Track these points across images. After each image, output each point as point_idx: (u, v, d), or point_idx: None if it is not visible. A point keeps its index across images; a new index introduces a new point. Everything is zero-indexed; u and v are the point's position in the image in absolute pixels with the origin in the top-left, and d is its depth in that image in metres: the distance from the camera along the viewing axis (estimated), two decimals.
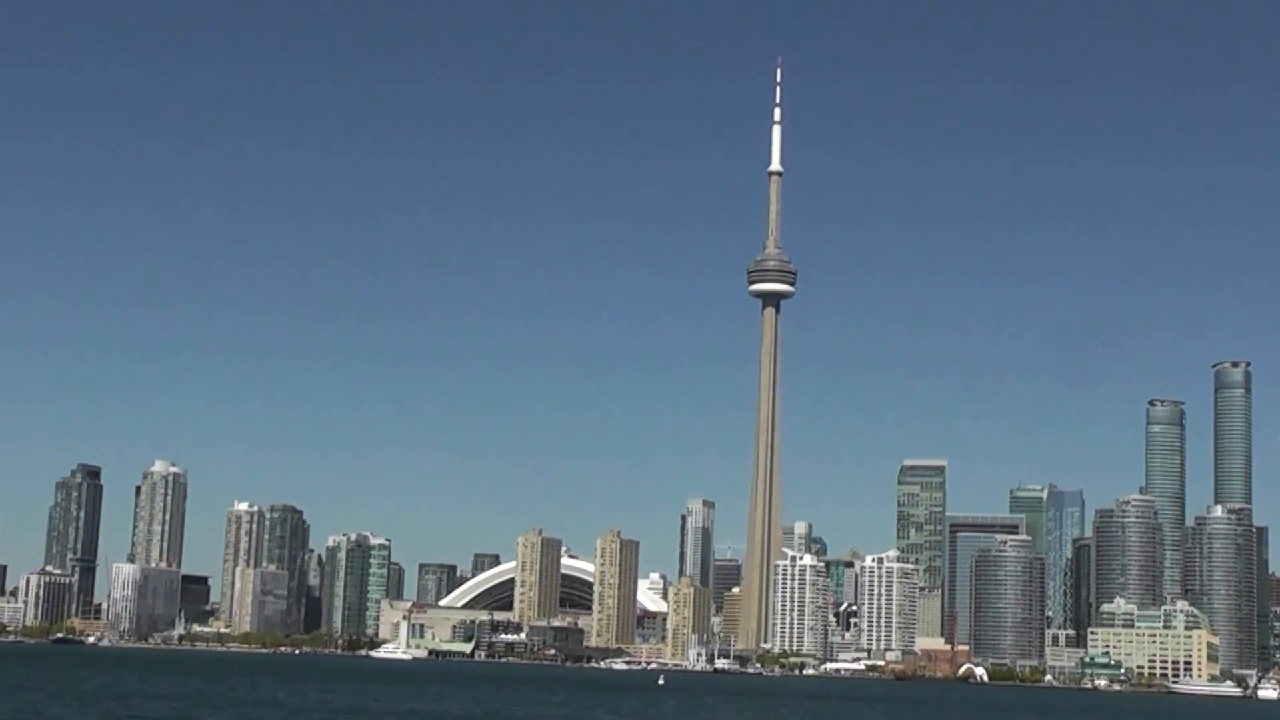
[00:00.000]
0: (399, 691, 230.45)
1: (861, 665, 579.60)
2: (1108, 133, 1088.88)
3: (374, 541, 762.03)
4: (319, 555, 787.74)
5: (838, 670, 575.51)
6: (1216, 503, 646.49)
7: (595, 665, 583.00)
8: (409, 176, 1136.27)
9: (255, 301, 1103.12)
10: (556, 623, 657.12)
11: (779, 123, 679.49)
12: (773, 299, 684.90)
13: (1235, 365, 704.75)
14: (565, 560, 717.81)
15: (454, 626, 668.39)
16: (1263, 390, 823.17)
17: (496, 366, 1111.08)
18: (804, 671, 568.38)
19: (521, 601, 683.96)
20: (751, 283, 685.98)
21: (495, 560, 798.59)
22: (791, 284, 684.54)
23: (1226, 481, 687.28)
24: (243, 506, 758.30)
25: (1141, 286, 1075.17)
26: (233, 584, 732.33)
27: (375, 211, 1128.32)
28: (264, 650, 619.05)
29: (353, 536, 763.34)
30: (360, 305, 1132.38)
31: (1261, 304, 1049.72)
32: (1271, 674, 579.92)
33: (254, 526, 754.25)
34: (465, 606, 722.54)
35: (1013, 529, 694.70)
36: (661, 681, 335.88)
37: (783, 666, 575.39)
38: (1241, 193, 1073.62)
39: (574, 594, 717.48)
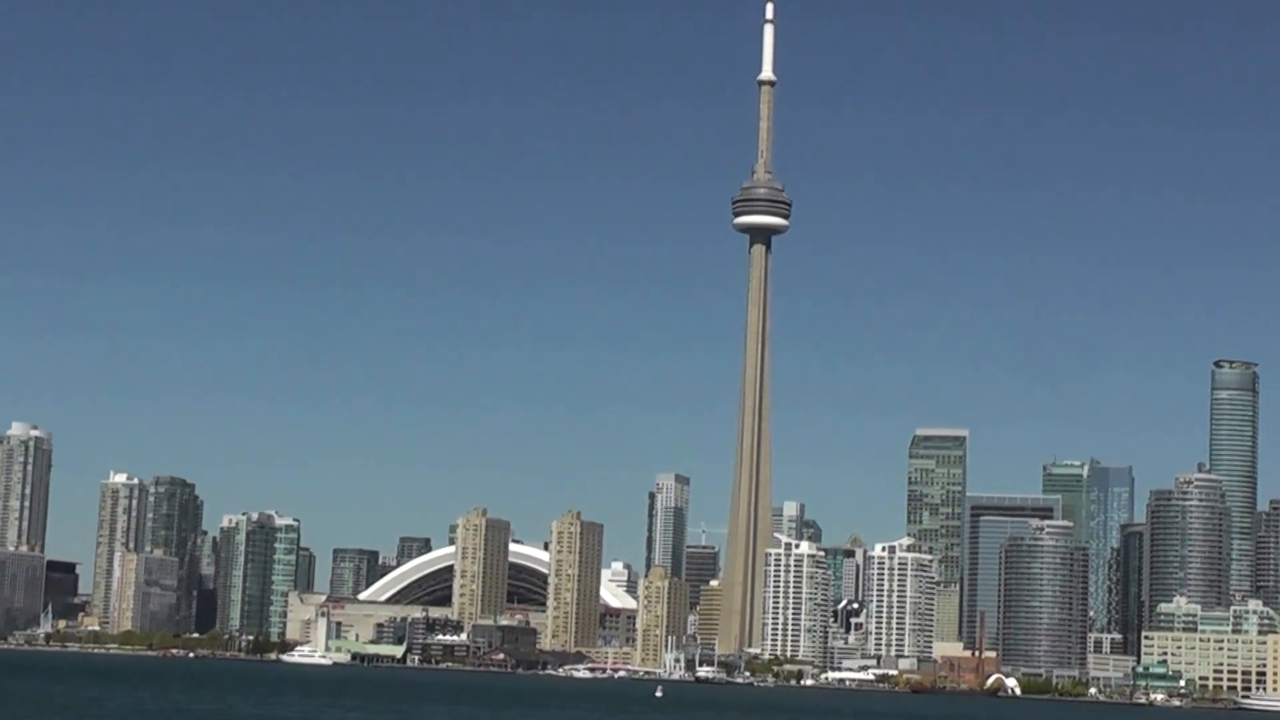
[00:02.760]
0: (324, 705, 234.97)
1: (870, 675, 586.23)
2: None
3: (279, 522, 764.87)
4: (213, 538, 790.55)
5: (842, 681, 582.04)
6: None
7: (552, 673, 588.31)
8: (315, 127, 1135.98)
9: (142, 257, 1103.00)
10: (504, 621, 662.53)
11: (771, 21, 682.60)
12: (762, 234, 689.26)
13: None
14: (513, 547, 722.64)
15: (379, 625, 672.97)
16: None
17: (426, 314, 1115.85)
18: (802, 682, 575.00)
19: (462, 596, 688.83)
20: (737, 214, 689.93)
21: (425, 546, 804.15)
22: (785, 216, 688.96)
23: None
24: (120, 479, 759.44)
25: (1217, 220, 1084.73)
26: (108, 572, 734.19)
27: (297, 165, 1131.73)
28: (150, 653, 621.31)
29: (254, 516, 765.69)
30: (272, 254, 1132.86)
31: None
32: None
33: (134, 503, 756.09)
34: (390, 601, 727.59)
35: (1047, 512, 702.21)
36: (659, 694, 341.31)
37: (776, 675, 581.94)
38: None
39: (523, 587, 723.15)
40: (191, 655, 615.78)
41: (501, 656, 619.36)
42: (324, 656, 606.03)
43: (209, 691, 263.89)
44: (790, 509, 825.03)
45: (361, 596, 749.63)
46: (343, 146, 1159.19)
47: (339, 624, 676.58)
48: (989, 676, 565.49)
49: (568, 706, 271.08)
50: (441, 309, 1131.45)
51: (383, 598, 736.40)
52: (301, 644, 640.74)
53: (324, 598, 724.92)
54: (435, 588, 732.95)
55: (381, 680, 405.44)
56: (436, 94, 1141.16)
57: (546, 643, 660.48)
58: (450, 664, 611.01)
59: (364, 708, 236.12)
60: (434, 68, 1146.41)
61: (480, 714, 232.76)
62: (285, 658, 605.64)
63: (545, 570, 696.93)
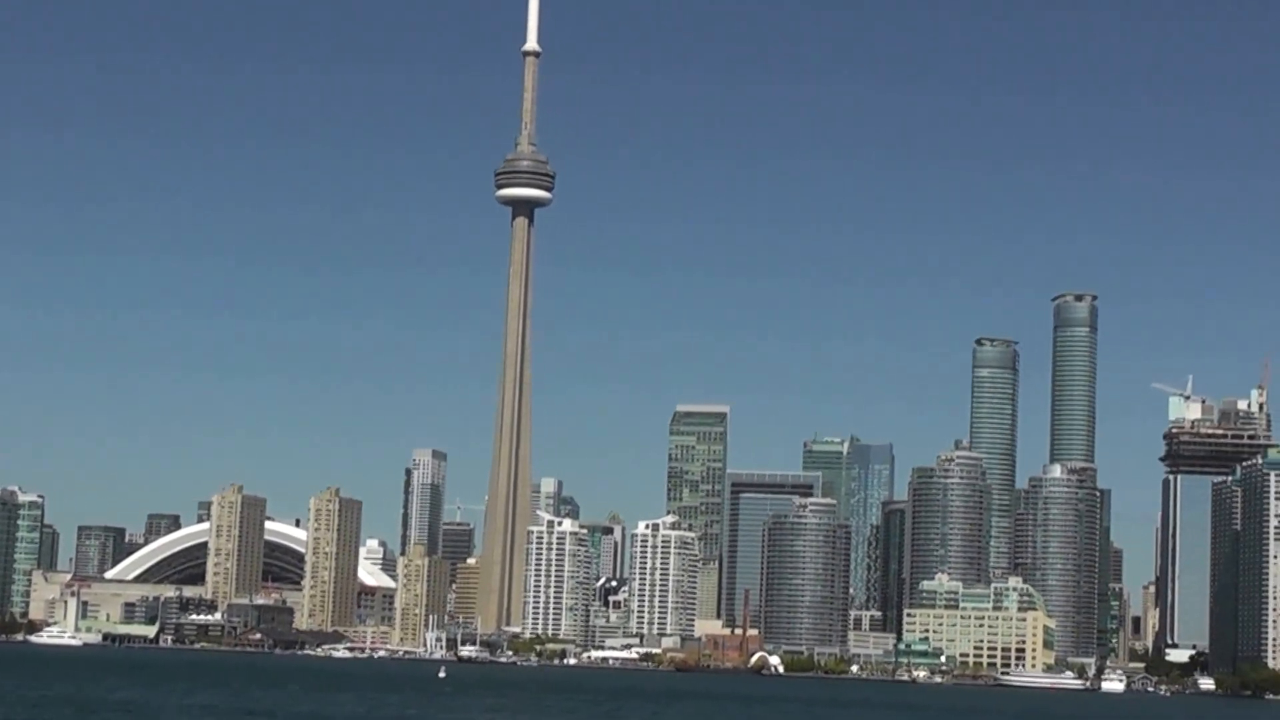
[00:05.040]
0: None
1: (634, 654, 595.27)
2: (934, 55, 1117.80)
3: (22, 499, 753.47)
4: None
5: (605, 660, 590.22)
6: (1053, 461, 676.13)
7: (311, 652, 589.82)
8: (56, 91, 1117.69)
9: None
10: (260, 600, 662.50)
11: None
12: (525, 206, 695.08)
13: (1079, 299, 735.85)
14: (267, 524, 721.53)
15: (129, 605, 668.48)
16: (1110, 329, 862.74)
17: (178, 279, 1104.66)
18: (565, 661, 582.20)
19: (216, 574, 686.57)
20: (500, 187, 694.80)
21: (175, 523, 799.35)
22: (548, 189, 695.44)
23: (1065, 436, 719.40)
24: None
25: (976, 204, 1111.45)
26: None
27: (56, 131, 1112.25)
28: None
29: None
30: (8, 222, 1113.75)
31: (1109, 230, 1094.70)
32: (1112, 663, 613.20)
33: None
34: (139, 579, 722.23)
35: (807, 490, 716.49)
36: (443, 674, 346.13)
37: (539, 655, 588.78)
38: (1088, 97, 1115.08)
39: (277, 565, 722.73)
40: None
41: (258, 636, 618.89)
42: (74, 637, 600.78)
43: None
44: (549, 485, 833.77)
45: (108, 575, 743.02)
46: (87, 112, 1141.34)
47: (86, 603, 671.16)
48: (753, 654, 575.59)
49: (356, 689, 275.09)
50: (196, 275, 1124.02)
51: (130, 576, 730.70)
52: (48, 624, 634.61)
53: (69, 576, 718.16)
54: (186, 566, 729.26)
55: (137, 661, 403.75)
56: (190, 58, 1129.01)
57: (303, 622, 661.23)
58: (205, 644, 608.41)
59: (137, 687, 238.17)
60: (179, 31, 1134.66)
61: (281, 696, 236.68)
62: (33, 638, 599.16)
63: (300, 548, 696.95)
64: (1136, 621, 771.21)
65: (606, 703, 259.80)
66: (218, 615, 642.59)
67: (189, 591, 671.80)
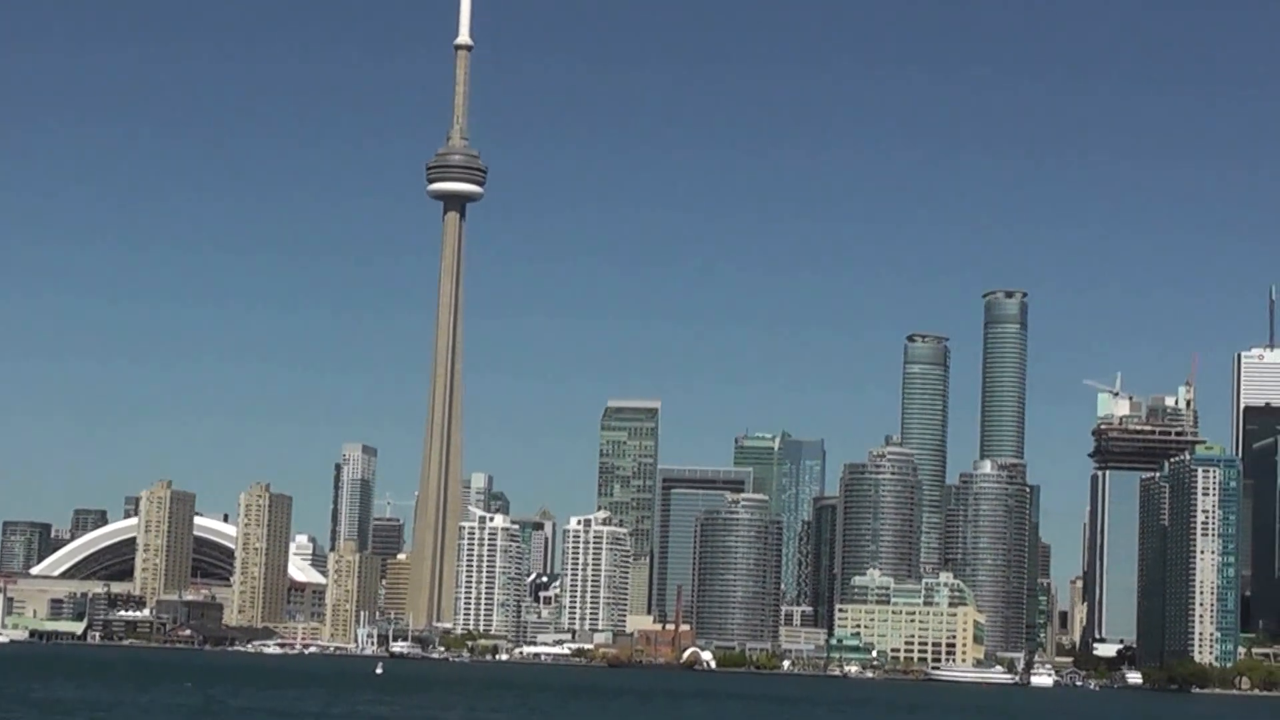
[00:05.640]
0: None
1: (566, 649, 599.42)
2: (863, 46, 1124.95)
3: None
4: None
5: (537, 655, 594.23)
6: (983, 457, 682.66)
7: (241, 649, 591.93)
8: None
9: None
10: (190, 596, 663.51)
11: None
12: (457, 201, 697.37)
13: (1009, 295, 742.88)
14: (197, 520, 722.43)
15: (56, 601, 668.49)
16: (1040, 325, 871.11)
17: (102, 269, 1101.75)
18: (498, 657, 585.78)
19: (145, 570, 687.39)
20: (431, 181, 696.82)
21: (102, 519, 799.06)
22: (480, 184, 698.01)
23: (995, 433, 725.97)
24: None
25: (908, 201, 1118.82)
26: None
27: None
28: None
29: None
30: None
31: (1039, 227, 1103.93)
32: (1040, 658, 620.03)
33: None
34: (65, 575, 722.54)
35: (738, 485, 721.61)
36: (380, 670, 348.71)
37: (471, 651, 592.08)
38: (1020, 96, 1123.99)
39: (206, 561, 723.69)
40: None
41: (188, 632, 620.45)
42: (1, 634, 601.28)
43: None
44: (479, 481, 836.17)
45: (35, 571, 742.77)
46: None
47: (12, 600, 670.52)
48: (685, 650, 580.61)
49: (297, 686, 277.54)
50: (125, 266, 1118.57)
51: (57, 572, 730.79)
52: None
53: None
54: (113, 562, 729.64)
55: (67, 658, 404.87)
56: (119, 46, 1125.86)
57: (232, 618, 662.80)
58: (134, 640, 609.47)
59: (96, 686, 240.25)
60: (107, 19, 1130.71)
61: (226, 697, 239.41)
62: None
63: (230, 544, 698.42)
64: (1063, 616, 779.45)
65: (575, 701, 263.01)
66: (146, 612, 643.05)
67: (117, 588, 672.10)
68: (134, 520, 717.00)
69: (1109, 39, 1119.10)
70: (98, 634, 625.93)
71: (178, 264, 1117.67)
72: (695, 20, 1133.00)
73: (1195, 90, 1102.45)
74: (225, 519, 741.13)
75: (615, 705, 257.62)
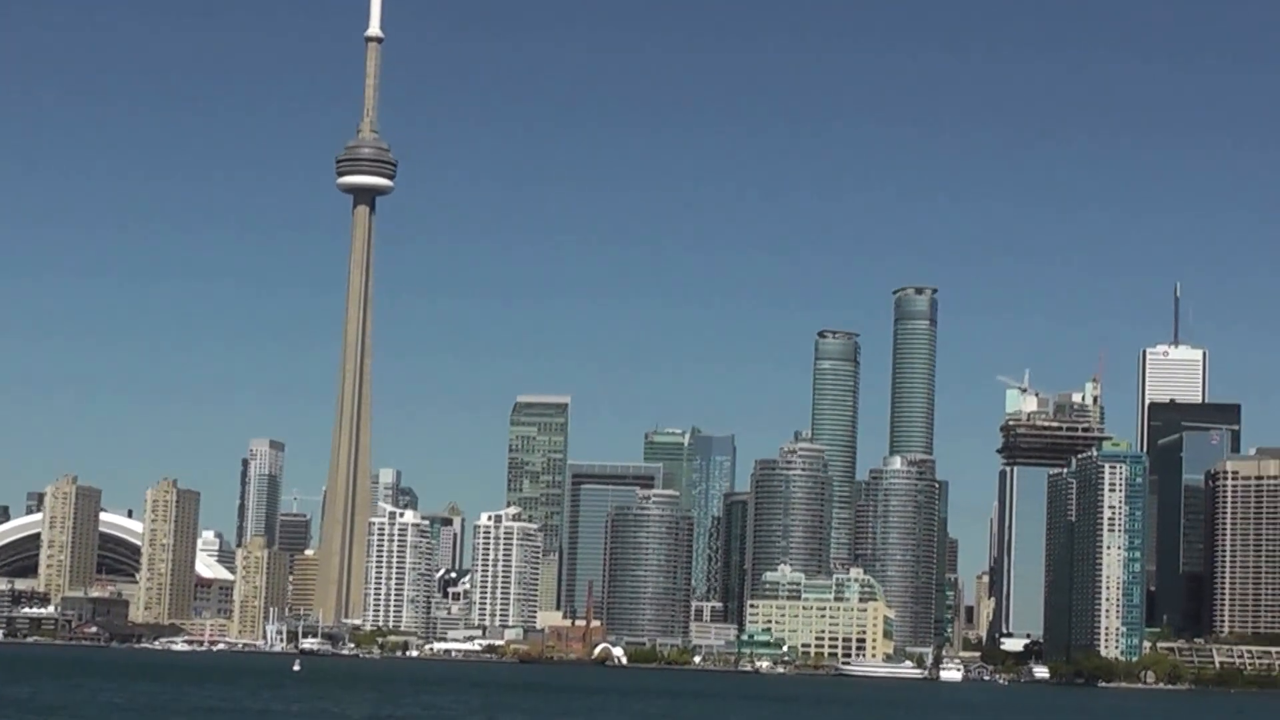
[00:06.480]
0: None
1: (477, 646, 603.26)
2: (769, 39, 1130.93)
3: None
4: None
5: (448, 652, 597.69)
6: (893, 453, 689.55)
7: (148, 646, 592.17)
8: None
9: None
10: (95, 593, 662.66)
11: None
12: (366, 195, 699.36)
13: (919, 292, 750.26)
14: (102, 516, 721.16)
15: None
16: (950, 322, 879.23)
17: (4, 263, 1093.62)
18: (409, 653, 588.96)
19: (49, 567, 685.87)
20: (341, 174, 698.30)
21: (4, 514, 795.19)
22: (390, 177, 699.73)
23: (905, 428, 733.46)
24: None
25: (816, 195, 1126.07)
26: None
27: None
28: None
29: None
30: None
31: (949, 224, 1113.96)
32: (948, 652, 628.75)
33: None
34: None
35: (649, 481, 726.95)
36: (297, 668, 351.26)
37: (381, 647, 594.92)
38: (927, 91, 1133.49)
39: (111, 557, 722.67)
40: None
41: (94, 630, 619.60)
42: None
43: None
44: (387, 476, 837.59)
45: None
46: None
47: None
48: (596, 646, 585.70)
49: (216, 683, 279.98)
50: (26, 257, 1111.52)
51: None
52: None
53: None
54: (17, 558, 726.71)
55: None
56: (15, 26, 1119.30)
57: (139, 615, 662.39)
58: (38, 638, 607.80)
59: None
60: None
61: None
62: None
63: (136, 540, 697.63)
64: (970, 611, 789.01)
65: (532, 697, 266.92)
66: (51, 609, 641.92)
67: (21, 584, 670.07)
68: (38, 516, 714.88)
69: (1013, 42, 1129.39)
70: (1, 631, 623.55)
71: (81, 252, 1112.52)
72: (599, 12, 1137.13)
73: (1100, 87, 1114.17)
74: (130, 514, 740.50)
75: (613, 703, 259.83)
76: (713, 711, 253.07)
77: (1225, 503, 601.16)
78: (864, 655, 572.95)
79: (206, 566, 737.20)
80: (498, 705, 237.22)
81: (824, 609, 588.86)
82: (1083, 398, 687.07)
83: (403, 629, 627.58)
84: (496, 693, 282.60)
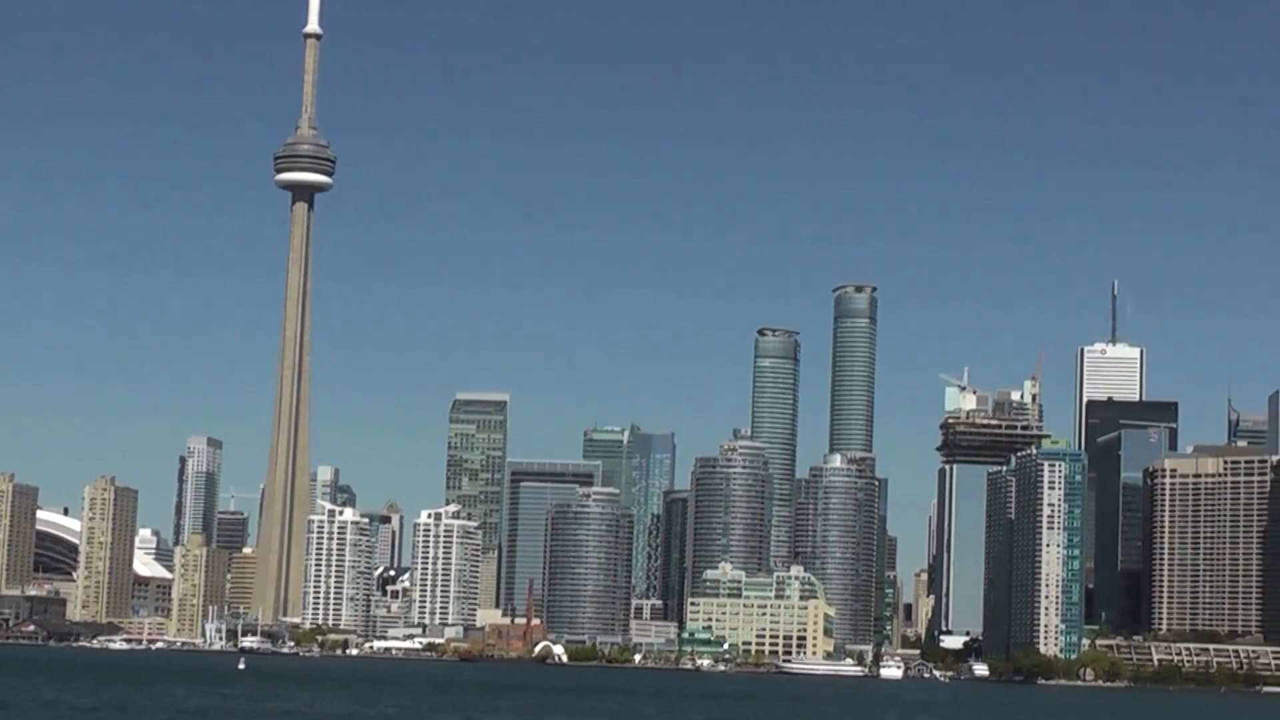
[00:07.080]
0: None
1: (417, 644, 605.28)
2: (711, 37, 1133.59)
3: None
4: None
5: (388, 650, 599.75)
6: (833, 451, 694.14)
7: (86, 644, 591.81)
8: None
9: None
10: (32, 591, 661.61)
11: None
12: (305, 191, 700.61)
13: (859, 290, 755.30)
14: (38, 514, 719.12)
15: None
16: (889, 320, 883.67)
17: None
18: (348, 651, 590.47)
19: None
20: (279, 171, 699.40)
21: None
22: (329, 174, 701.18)
23: (844, 426, 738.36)
24: None
25: (755, 192, 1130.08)
26: None
27: None
28: None
29: None
30: None
31: (889, 222, 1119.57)
32: (888, 650, 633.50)
33: None
34: None
35: (588, 479, 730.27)
36: (243, 666, 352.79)
37: (321, 645, 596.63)
38: (866, 87, 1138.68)
39: (48, 556, 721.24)
40: None
41: (31, 628, 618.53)
42: None
43: None
44: (325, 474, 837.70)
45: None
46: None
47: None
48: (537, 644, 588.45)
49: (163, 683, 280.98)
50: None
51: None
52: None
53: None
54: None
55: None
56: None
57: (76, 613, 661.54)
58: None
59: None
60: None
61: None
62: None
63: (73, 538, 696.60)
64: (909, 609, 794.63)
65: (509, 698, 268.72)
66: None
67: None
68: None
69: (939, 31, 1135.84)
70: None
71: (14, 246, 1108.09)
72: (534, 6, 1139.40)
73: (1037, 85, 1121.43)
74: (65, 512, 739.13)
75: (602, 705, 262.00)
76: (656, 711, 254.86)
77: (1163, 501, 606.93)
78: (804, 653, 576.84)
79: (144, 565, 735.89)
80: (477, 705, 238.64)
81: (764, 607, 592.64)
82: (1022, 396, 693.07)
83: (342, 627, 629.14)
84: (469, 692, 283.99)
